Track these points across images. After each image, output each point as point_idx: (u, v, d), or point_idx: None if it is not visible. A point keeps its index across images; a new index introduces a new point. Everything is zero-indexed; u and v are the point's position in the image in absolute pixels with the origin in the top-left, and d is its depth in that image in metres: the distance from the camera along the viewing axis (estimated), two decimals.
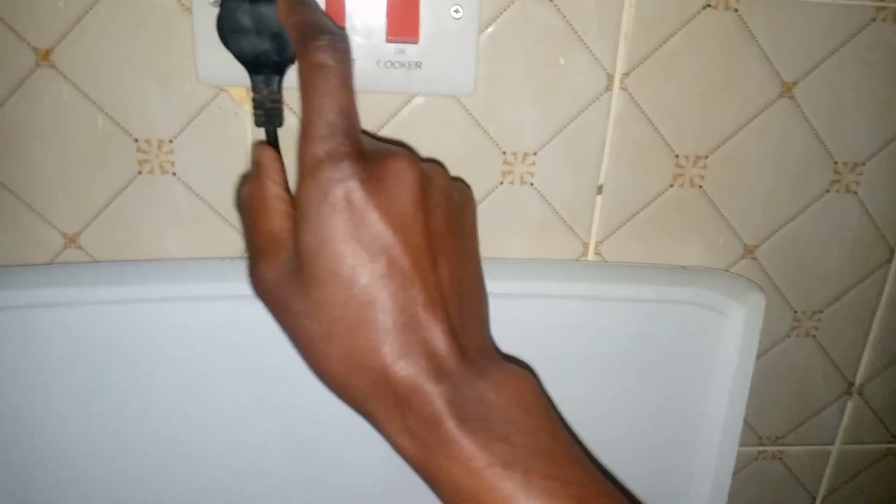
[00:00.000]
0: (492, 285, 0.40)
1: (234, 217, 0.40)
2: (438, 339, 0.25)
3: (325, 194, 0.24)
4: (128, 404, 0.40)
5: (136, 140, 0.38)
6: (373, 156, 0.26)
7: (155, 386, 0.40)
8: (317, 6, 0.31)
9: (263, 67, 0.35)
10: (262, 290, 0.27)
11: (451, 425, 0.24)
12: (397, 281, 0.25)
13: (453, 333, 0.26)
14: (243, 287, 0.38)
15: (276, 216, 0.27)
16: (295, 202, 0.26)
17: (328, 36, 0.26)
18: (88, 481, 0.41)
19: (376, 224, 0.25)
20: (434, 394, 0.25)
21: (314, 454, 0.43)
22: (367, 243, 0.24)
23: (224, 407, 0.41)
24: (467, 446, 0.24)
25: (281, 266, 0.26)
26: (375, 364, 0.25)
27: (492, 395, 0.25)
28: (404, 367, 0.25)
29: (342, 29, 0.29)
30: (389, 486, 0.44)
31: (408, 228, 0.25)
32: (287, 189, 0.29)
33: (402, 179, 0.25)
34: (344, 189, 0.24)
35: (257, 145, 0.31)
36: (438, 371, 0.25)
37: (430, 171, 0.27)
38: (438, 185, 0.27)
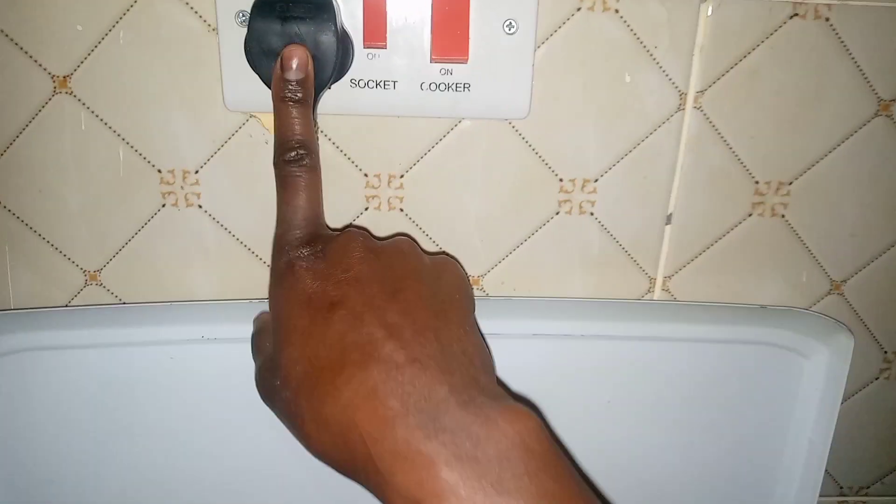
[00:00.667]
0: (547, 325, 0.37)
1: (263, 252, 0.37)
2: (406, 369, 0.24)
3: (278, 277, 0.27)
4: (150, 448, 0.38)
5: (160, 171, 0.35)
6: (325, 238, 0.28)
7: (178, 430, 0.38)
8: (300, 103, 0.29)
9: None
10: (259, 388, 0.28)
11: (433, 470, 0.22)
12: (349, 322, 0.25)
13: (425, 365, 0.24)
14: None
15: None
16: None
17: (294, 151, 0.29)
18: None
19: (323, 284, 0.26)
20: (405, 431, 0.22)
21: (343, 492, 0.40)
22: (316, 301, 0.26)
23: (250, 453, 0.38)
24: (459, 493, 0.21)
25: (266, 358, 0.28)
26: (338, 410, 0.23)
27: (483, 434, 0.23)
28: (367, 407, 0.23)
29: (312, 137, 0.30)
30: None
31: (354, 278, 0.26)
32: None
33: (348, 244, 0.27)
34: (288, 262, 0.27)
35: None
36: (410, 406, 0.23)
37: (386, 241, 0.29)
38: (396, 245, 0.29)
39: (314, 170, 0.29)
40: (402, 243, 0.29)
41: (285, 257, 0.27)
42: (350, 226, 0.37)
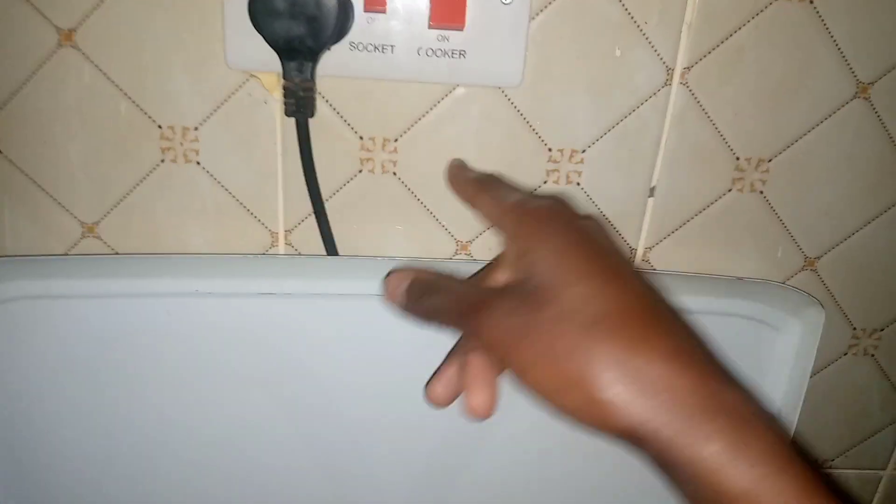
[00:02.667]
0: None
1: (258, 209, 0.38)
2: (695, 339, 0.23)
3: (548, 226, 0.26)
4: (140, 398, 0.38)
5: (160, 127, 0.36)
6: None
7: (171, 381, 0.38)
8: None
9: (297, 53, 0.32)
10: (501, 325, 0.24)
11: (756, 420, 0.21)
12: (639, 285, 0.24)
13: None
14: (265, 284, 0.36)
15: (458, 280, 0.28)
16: (516, 244, 0.27)
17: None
18: (98, 474, 0.40)
19: (609, 248, 0.26)
20: (730, 385, 0.22)
21: (334, 454, 0.41)
22: (599, 258, 0.25)
23: (241, 404, 0.39)
24: (779, 444, 0.21)
25: (512, 296, 0.25)
26: (657, 357, 0.22)
27: (749, 394, 0.22)
28: (689, 362, 0.22)
29: None
30: (414, 491, 0.42)
31: (617, 253, 0.26)
32: None
33: (603, 229, 0.27)
34: (577, 226, 0.26)
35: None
36: (711, 369, 0.22)
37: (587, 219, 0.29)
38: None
39: None
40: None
41: (564, 215, 0.27)
42: (344, 186, 0.38)
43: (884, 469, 0.49)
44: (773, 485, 0.21)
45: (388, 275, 0.29)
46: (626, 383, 0.21)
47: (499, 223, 0.29)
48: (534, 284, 0.24)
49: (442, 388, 0.29)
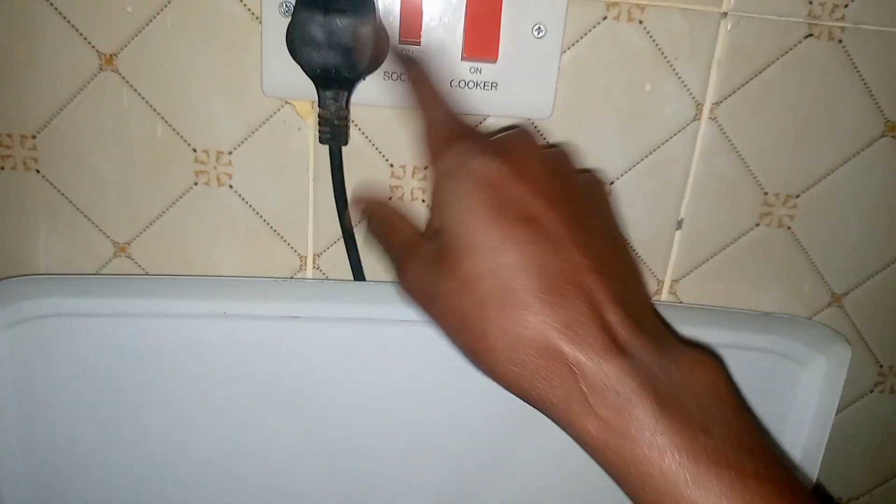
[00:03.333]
0: None
1: (289, 235, 0.38)
2: (607, 305, 0.23)
3: (455, 170, 0.25)
4: (167, 418, 0.38)
5: (195, 150, 0.36)
6: (495, 135, 0.27)
7: (196, 401, 0.38)
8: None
9: (333, 82, 0.33)
10: (411, 284, 0.27)
11: (645, 407, 0.21)
12: (546, 245, 0.23)
13: (622, 301, 0.23)
14: (292, 307, 0.37)
15: (408, 225, 0.29)
16: (433, 195, 0.26)
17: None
18: (121, 492, 0.40)
19: (512, 190, 0.24)
20: (616, 367, 0.21)
21: (355, 479, 0.41)
22: (509, 210, 0.24)
23: (264, 426, 0.39)
24: (669, 434, 0.21)
25: (425, 255, 0.26)
26: (539, 334, 0.22)
27: (680, 378, 0.22)
28: (574, 336, 0.22)
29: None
30: None
31: (545, 193, 0.24)
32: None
33: (528, 149, 0.26)
34: (473, 162, 0.25)
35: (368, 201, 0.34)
36: (615, 342, 0.22)
37: (552, 149, 0.28)
38: (564, 159, 0.27)
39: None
40: (568, 157, 0.28)
41: (461, 150, 0.25)
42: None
43: None
44: (654, 457, 0.21)
45: (358, 197, 0.33)
46: (514, 362, 0.22)
47: (427, 154, 0.27)
48: (443, 240, 0.25)
49: None
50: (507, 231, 0.23)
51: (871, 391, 0.44)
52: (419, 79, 0.30)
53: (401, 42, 0.34)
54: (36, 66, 0.34)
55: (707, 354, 0.23)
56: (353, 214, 0.32)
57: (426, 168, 0.37)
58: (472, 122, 0.28)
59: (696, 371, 0.23)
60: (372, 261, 0.39)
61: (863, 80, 0.37)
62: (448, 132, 0.27)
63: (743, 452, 0.21)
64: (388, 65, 0.34)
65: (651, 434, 0.21)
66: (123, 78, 0.35)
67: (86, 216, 0.37)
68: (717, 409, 0.22)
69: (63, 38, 0.34)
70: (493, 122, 0.36)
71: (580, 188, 0.26)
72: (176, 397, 0.38)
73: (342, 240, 0.37)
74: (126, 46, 0.34)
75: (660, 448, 0.20)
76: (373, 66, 0.33)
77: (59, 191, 0.37)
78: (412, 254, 0.27)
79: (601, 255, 0.24)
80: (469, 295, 0.23)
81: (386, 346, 0.37)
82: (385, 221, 0.30)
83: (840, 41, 0.36)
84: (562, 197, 0.24)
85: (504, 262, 0.23)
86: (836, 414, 0.41)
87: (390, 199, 0.37)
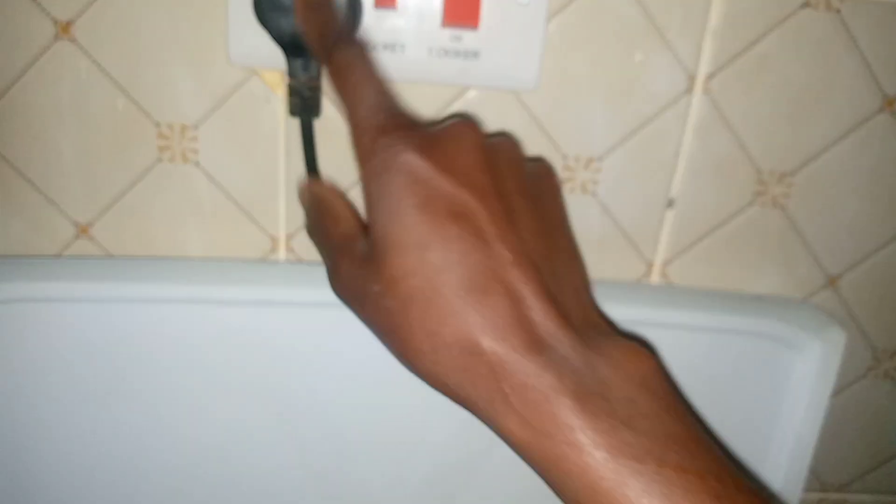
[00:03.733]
0: None
1: (258, 213, 0.36)
2: (531, 300, 0.22)
3: (382, 167, 0.24)
4: (132, 406, 0.37)
5: (158, 124, 0.34)
6: (427, 126, 0.25)
7: (162, 389, 0.37)
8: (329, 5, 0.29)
9: (302, 50, 0.31)
10: (341, 286, 0.26)
11: (564, 404, 0.21)
12: (472, 241, 0.23)
13: (548, 296, 0.23)
14: (263, 292, 0.35)
15: (346, 219, 0.28)
16: (363, 192, 0.25)
17: (345, 40, 0.27)
18: (89, 482, 0.39)
19: (440, 186, 0.23)
20: (537, 364, 0.21)
21: (327, 465, 0.40)
22: (434, 206, 0.23)
23: (234, 411, 0.38)
24: (588, 431, 0.21)
25: (355, 256, 0.26)
26: (460, 333, 0.22)
27: (607, 372, 0.22)
28: (494, 334, 0.22)
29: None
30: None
31: (476, 187, 0.23)
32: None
33: (462, 141, 0.24)
34: (401, 157, 0.24)
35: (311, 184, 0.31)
36: (537, 338, 0.22)
37: (494, 139, 0.26)
38: (504, 150, 0.26)
39: (373, 58, 0.27)
40: (511, 147, 0.26)
41: (388, 145, 0.24)
42: (349, 191, 0.36)
43: None
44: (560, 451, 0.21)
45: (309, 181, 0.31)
46: (439, 364, 0.22)
47: (356, 148, 0.26)
48: (372, 239, 0.24)
49: None
50: (433, 228, 0.23)
51: (865, 376, 0.43)
52: (350, 62, 0.27)
53: (376, 6, 0.32)
54: None
55: (641, 346, 0.23)
56: (302, 199, 0.30)
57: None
58: (406, 111, 0.26)
59: (625, 364, 0.22)
60: None
61: (861, 53, 0.35)
62: (377, 123, 0.25)
63: (668, 445, 0.21)
64: (362, 32, 0.32)
65: (569, 431, 0.21)
66: (81, 47, 0.33)
67: (44, 195, 0.35)
68: (644, 402, 0.22)
69: (15, 4, 0.32)
70: (475, 95, 0.34)
71: (519, 179, 0.26)
72: (142, 381, 0.37)
73: None
74: (83, 14, 0.32)
75: (578, 445, 0.20)
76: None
77: (14, 167, 0.35)
78: (343, 254, 0.26)
79: (532, 248, 0.24)
80: (394, 297, 0.23)
81: (360, 331, 0.36)
82: (326, 207, 0.29)
83: (838, 11, 0.34)
84: (494, 191, 0.24)
85: (428, 261, 0.23)
86: (830, 398, 0.40)
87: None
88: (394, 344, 0.24)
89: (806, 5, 0.34)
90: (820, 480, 0.46)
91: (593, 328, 0.24)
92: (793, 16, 0.34)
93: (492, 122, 0.35)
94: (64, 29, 0.32)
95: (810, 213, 0.38)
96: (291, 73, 0.31)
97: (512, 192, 0.25)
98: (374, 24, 0.32)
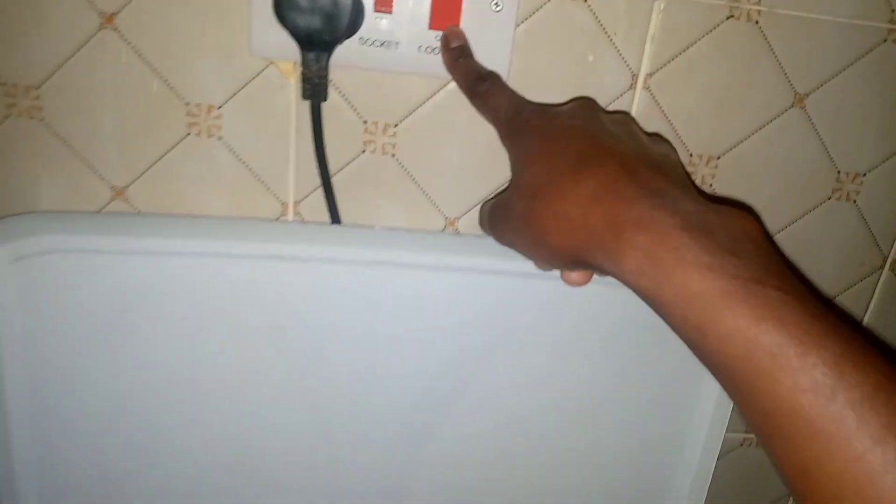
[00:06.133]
0: (512, 264, 0.43)
1: (272, 182, 0.43)
2: (638, 164, 0.27)
3: (517, 136, 0.33)
4: (155, 347, 0.42)
5: (188, 104, 0.40)
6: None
7: (183, 333, 0.42)
8: (468, 57, 0.39)
9: (314, 45, 0.37)
10: (495, 223, 0.34)
11: (674, 232, 0.24)
12: (588, 140, 0.29)
13: (653, 164, 0.28)
14: (274, 248, 0.40)
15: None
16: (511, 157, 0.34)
17: (486, 77, 0.38)
18: (113, 417, 0.43)
19: (553, 127, 0.31)
20: (648, 205, 0.25)
21: (327, 401, 0.45)
22: (559, 131, 0.31)
23: (245, 354, 0.43)
24: (699, 255, 0.23)
25: (501, 199, 0.34)
26: (580, 199, 0.27)
27: (713, 218, 0.25)
28: (608, 189, 0.26)
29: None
30: (398, 437, 0.47)
31: (577, 116, 0.32)
32: None
33: (571, 105, 0.34)
34: (522, 119, 0.33)
35: None
36: (646, 189, 0.26)
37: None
38: (597, 107, 0.34)
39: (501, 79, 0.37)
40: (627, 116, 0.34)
41: (519, 117, 0.33)
42: (348, 164, 0.43)
43: None
44: (689, 292, 0.23)
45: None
46: (561, 230, 0.28)
47: (497, 129, 0.36)
48: (513, 178, 0.32)
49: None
50: (552, 142, 0.30)
51: None
52: (487, 91, 0.37)
53: (375, 10, 0.38)
54: (41, 22, 0.38)
55: (744, 208, 0.28)
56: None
57: (396, 126, 0.42)
58: (529, 103, 0.36)
59: (731, 218, 0.25)
60: (347, 207, 0.43)
61: (776, 57, 0.42)
62: (509, 117, 0.34)
63: (769, 273, 0.23)
64: (363, 31, 0.38)
65: (677, 251, 0.23)
66: (122, 36, 0.38)
67: (85, 161, 0.41)
68: (747, 246, 0.24)
69: None
70: (455, 86, 0.41)
71: (613, 118, 0.32)
72: (164, 328, 0.41)
73: (321, 188, 0.42)
74: (125, 7, 0.38)
75: (688, 267, 0.23)
76: (350, 32, 0.38)
77: (61, 138, 0.40)
78: (495, 205, 0.34)
79: (633, 146, 0.29)
80: (525, 196, 0.30)
81: (358, 283, 0.42)
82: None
83: (757, 22, 0.41)
84: (594, 117, 0.31)
85: (551, 160, 0.29)
86: None
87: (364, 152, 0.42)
88: (527, 233, 0.30)
89: (730, 17, 0.41)
90: (743, 422, 0.54)
91: (699, 193, 0.28)
92: (719, 26, 0.41)
93: (470, 108, 0.41)
94: (108, 19, 0.38)
95: (733, 191, 0.46)
96: (304, 64, 0.38)
97: (608, 121, 0.31)
98: (372, 25, 0.38)
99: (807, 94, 0.44)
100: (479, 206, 0.45)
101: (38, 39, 0.38)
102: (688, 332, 0.24)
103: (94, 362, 0.42)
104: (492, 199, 0.37)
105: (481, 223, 0.38)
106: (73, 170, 0.41)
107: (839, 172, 0.46)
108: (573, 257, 0.28)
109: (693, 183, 0.32)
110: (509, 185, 0.33)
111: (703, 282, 0.23)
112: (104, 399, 0.43)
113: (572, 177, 0.28)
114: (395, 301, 0.43)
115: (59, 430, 0.43)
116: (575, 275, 0.32)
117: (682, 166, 0.33)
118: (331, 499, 0.48)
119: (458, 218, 0.45)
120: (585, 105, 0.33)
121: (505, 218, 0.32)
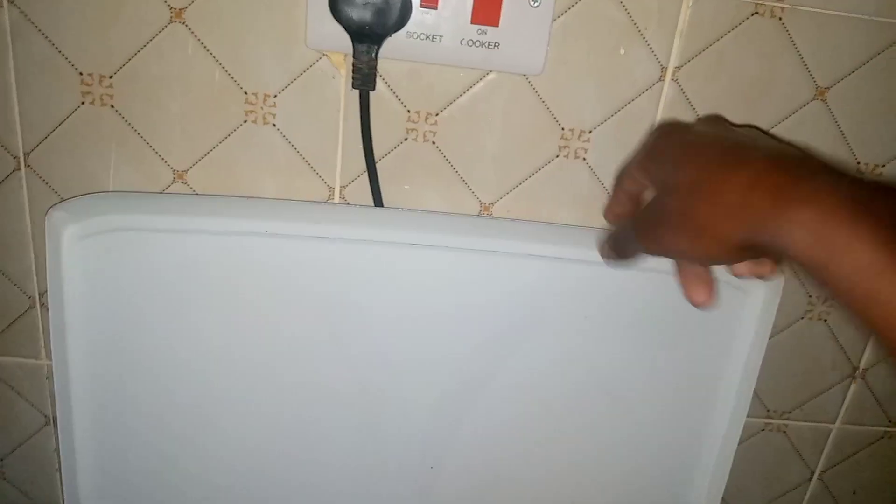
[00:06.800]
0: (542, 248, 0.45)
1: (320, 167, 0.46)
2: (786, 154, 0.29)
3: (653, 149, 0.35)
4: (217, 324, 0.45)
5: (246, 93, 0.44)
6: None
7: (237, 308, 0.45)
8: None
9: (366, 38, 0.40)
10: (643, 231, 0.35)
11: (846, 206, 0.25)
12: (724, 144, 0.31)
13: (798, 155, 0.29)
14: (321, 229, 0.43)
15: (628, 209, 0.39)
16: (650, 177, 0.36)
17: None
18: (171, 390, 0.46)
19: (692, 132, 0.34)
20: (816, 183, 0.27)
21: (368, 374, 0.48)
22: (695, 142, 0.32)
23: (293, 327, 0.45)
24: (862, 232, 0.24)
25: (646, 208, 0.35)
26: (739, 186, 0.28)
27: (875, 193, 0.26)
28: (770, 174, 0.28)
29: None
30: (433, 412, 0.50)
31: (717, 127, 0.35)
32: None
33: (697, 121, 0.39)
34: (656, 135, 0.36)
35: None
36: (799, 171, 0.28)
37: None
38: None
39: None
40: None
41: (654, 141, 0.35)
42: (392, 151, 0.46)
43: (833, 423, 0.57)
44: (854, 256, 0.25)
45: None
46: (725, 217, 0.29)
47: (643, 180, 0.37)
48: (658, 193, 0.34)
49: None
50: (692, 149, 0.32)
51: (802, 318, 0.53)
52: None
53: (421, 6, 0.41)
54: (118, 16, 0.41)
55: None
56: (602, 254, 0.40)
57: (437, 115, 0.45)
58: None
59: (888, 194, 0.26)
60: (389, 191, 0.46)
61: (798, 51, 0.45)
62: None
63: None
64: (410, 25, 0.41)
65: (852, 230, 0.25)
66: (190, 29, 0.42)
67: (151, 146, 0.45)
68: None
69: None
70: (494, 77, 0.44)
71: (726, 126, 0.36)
72: (221, 301, 0.44)
73: (366, 173, 0.45)
74: (194, 2, 0.41)
75: (862, 240, 0.25)
76: (398, 26, 0.41)
77: (128, 123, 0.44)
78: (639, 216, 0.35)
79: (774, 145, 0.31)
80: (681, 192, 0.31)
81: (399, 262, 0.45)
82: (615, 239, 0.39)
83: (780, 18, 0.44)
84: (754, 134, 0.34)
85: (698, 160, 0.31)
86: (772, 337, 0.49)
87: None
88: (693, 232, 0.30)
89: (755, 13, 0.43)
90: (766, 407, 0.56)
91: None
92: (744, 21, 0.44)
93: (506, 99, 0.44)
94: (177, 14, 0.42)
95: None
96: (356, 56, 0.41)
97: (737, 131, 0.34)
98: (419, 19, 0.41)
99: (828, 88, 0.46)
100: (512, 192, 0.47)
101: (115, 32, 0.42)
102: (855, 302, 0.25)
103: (152, 333, 0.45)
104: (609, 230, 0.39)
105: (602, 251, 0.40)
106: (139, 153, 0.45)
107: (858, 163, 0.48)
108: (738, 241, 0.29)
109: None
110: (655, 196, 0.34)
111: (874, 253, 0.24)
112: (162, 367, 0.46)
113: (725, 170, 0.29)
114: (430, 279, 0.45)
115: (117, 397, 0.46)
116: (742, 266, 0.34)
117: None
118: (368, 471, 0.50)
119: (493, 203, 0.47)
120: (711, 118, 0.37)
121: (660, 221, 0.33)
